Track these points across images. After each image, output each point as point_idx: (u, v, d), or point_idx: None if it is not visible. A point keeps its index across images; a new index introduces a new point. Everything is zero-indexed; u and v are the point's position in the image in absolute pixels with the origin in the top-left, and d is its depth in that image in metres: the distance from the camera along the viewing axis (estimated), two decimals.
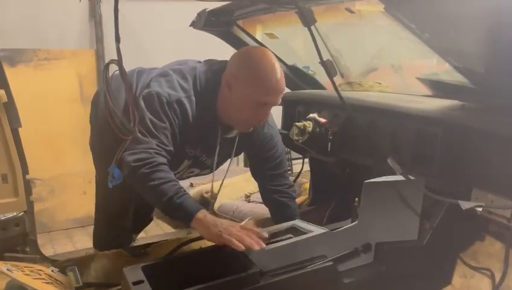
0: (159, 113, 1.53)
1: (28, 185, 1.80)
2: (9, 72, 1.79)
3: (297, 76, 2.40)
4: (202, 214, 1.40)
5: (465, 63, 1.49)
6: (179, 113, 1.56)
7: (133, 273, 1.30)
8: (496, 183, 1.36)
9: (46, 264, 1.79)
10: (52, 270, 1.69)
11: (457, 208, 1.36)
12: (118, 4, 1.27)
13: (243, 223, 2.05)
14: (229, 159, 1.86)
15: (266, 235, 1.39)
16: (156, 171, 1.44)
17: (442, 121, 1.52)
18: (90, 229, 2.14)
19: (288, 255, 1.40)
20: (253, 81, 1.56)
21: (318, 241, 1.45)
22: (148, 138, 1.49)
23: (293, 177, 2.47)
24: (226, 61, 1.67)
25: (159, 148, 1.49)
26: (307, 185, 2.59)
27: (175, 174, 1.57)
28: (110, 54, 3.31)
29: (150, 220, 2.31)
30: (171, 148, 1.53)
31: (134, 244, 2.14)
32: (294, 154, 3.44)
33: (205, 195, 3.02)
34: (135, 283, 1.26)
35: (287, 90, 1.86)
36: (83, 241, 3.11)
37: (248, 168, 2.03)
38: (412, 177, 1.43)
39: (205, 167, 1.84)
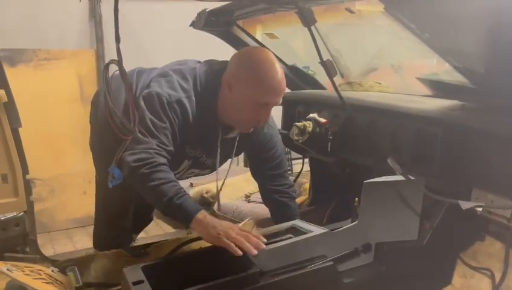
0: (159, 114, 1.53)
1: (28, 185, 1.80)
2: (9, 72, 1.79)
3: (297, 76, 2.40)
4: (202, 215, 1.40)
5: (465, 63, 1.49)
6: (179, 114, 1.56)
7: (133, 273, 1.30)
8: (496, 183, 1.36)
9: (46, 264, 1.79)
10: (52, 270, 1.69)
11: (457, 208, 1.36)
12: (118, 4, 1.27)
13: (242, 223, 2.06)
14: (230, 159, 1.85)
15: (264, 240, 1.39)
16: (156, 171, 1.44)
17: (442, 121, 1.52)
18: (90, 229, 2.14)
19: (288, 255, 1.40)
20: (254, 82, 1.56)
21: (318, 241, 1.45)
22: (148, 138, 1.49)
23: (293, 177, 2.47)
24: (226, 61, 1.67)
25: (159, 148, 1.49)
26: (307, 185, 2.59)
27: (175, 175, 1.57)
28: (110, 54, 3.31)
29: (150, 220, 2.31)
30: (171, 148, 1.53)
31: (134, 244, 2.14)
32: (294, 154, 3.44)
33: (205, 195, 3.02)
34: (135, 283, 1.26)
35: (287, 90, 1.85)
36: (83, 241, 3.11)
37: (248, 168, 2.03)
38: (412, 177, 1.43)
39: (205, 167, 1.84)
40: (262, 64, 1.56)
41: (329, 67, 1.32)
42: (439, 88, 1.90)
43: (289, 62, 2.37)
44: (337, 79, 2.31)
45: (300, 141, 1.98)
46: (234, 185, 2.75)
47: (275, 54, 1.67)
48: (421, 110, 1.62)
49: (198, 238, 1.53)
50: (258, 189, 2.04)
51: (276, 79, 1.56)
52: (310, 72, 2.45)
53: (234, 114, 1.64)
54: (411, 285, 1.54)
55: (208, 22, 2.09)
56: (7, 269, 1.46)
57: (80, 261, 1.78)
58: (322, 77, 2.39)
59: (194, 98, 1.59)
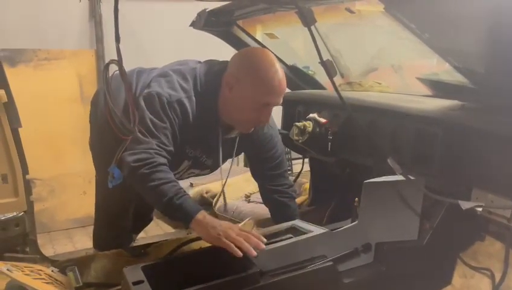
0: (160, 114, 1.53)
1: (28, 185, 1.80)
2: (9, 72, 1.79)
3: (297, 76, 2.40)
4: (201, 215, 1.40)
5: (465, 63, 1.49)
6: (180, 114, 1.56)
7: (133, 273, 1.30)
8: (496, 183, 1.36)
9: (46, 264, 1.79)
10: (52, 271, 1.69)
11: (457, 208, 1.36)
12: (118, 4, 1.27)
13: (242, 223, 2.06)
14: (230, 159, 1.85)
15: (265, 240, 1.39)
16: (156, 171, 1.44)
17: (442, 121, 1.52)
18: (90, 229, 2.14)
19: (288, 255, 1.40)
20: (255, 82, 1.56)
21: (318, 241, 1.45)
22: (148, 138, 1.49)
23: (293, 177, 2.47)
24: (227, 61, 1.67)
25: (159, 148, 1.49)
26: (307, 185, 2.59)
27: (174, 175, 1.57)
28: (110, 54, 3.30)
29: (150, 220, 2.31)
30: (171, 148, 1.53)
31: (134, 244, 2.14)
32: (294, 154, 3.44)
33: (205, 195, 3.02)
34: (135, 283, 1.26)
35: (287, 90, 1.86)
36: (83, 242, 3.11)
37: (248, 168, 2.03)
38: (412, 177, 1.43)
39: (205, 168, 1.84)
40: (263, 65, 1.56)
41: (329, 67, 1.32)
42: (439, 88, 1.90)
43: (289, 62, 2.37)
44: (337, 79, 2.31)
45: (300, 141, 1.98)
46: (234, 185, 2.75)
47: (275, 54, 1.68)
48: (421, 110, 1.62)
49: (198, 239, 1.53)
50: (258, 189, 2.04)
51: (277, 79, 1.56)
52: (310, 72, 2.45)
53: (235, 114, 1.64)
54: (411, 285, 1.54)
55: (207, 22, 2.09)
56: (7, 269, 1.46)
57: (80, 261, 1.78)
58: (322, 77, 2.39)
59: (194, 98, 1.60)
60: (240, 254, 1.30)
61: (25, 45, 3.22)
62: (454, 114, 1.54)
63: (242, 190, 2.79)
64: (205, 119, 1.62)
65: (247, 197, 2.77)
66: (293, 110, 2.22)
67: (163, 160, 1.48)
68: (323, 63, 1.30)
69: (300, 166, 2.54)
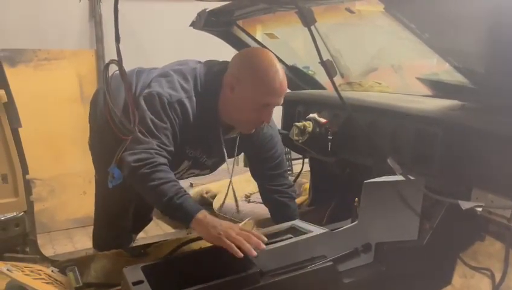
0: (160, 114, 1.53)
1: (28, 185, 1.80)
2: (9, 72, 1.79)
3: (297, 76, 2.40)
4: (202, 214, 1.40)
5: (465, 63, 1.49)
6: (180, 114, 1.56)
7: (133, 273, 1.30)
8: (496, 183, 1.36)
9: (46, 264, 1.79)
10: (52, 271, 1.69)
11: (457, 208, 1.36)
12: (118, 4, 1.27)
13: (242, 223, 2.06)
14: (231, 160, 1.85)
15: (265, 239, 1.39)
16: (156, 171, 1.44)
17: (442, 121, 1.52)
18: (90, 229, 2.14)
19: (288, 255, 1.40)
20: (256, 83, 1.56)
21: (318, 241, 1.45)
22: (149, 138, 1.49)
23: (293, 177, 2.47)
24: (227, 62, 1.67)
25: (159, 148, 1.49)
26: (307, 185, 2.59)
27: (174, 175, 1.57)
28: (110, 54, 3.30)
29: (150, 220, 2.31)
30: (171, 148, 1.53)
31: (134, 244, 2.14)
32: (294, 154, 3.44)
33: (205, 195, 3.02)
34: (135, 283, 1.26)
35: (287, 90, 1.86)
36: (83, 242, 3.11)
37: (248, 168, 2.03)
38: (412, 177, 1.43)
39: (205, 168, 1.84)
40: (263, 65, 1.57)
41: (329, 67, 1.32)
42: (439, 88, 1.90)
43: (289, 62, 2.37)
44: (337, 79, 2.31)
45: (300, 141, 1.98)
46: (234, 185, 2.75)
47: (275, 54, 1.68)
48: (421, 110, 1.62)
49: (198, 238, 1.53)
50: (258, 189, 2.04)
51: (277, 79, 1.56)
52: (310, 72, 2.45)
53: (236, 115, 1.64)
54: (411, 285, 1.54)
55: (208, 22, 2.09)
56: (7, 269, 1.46)
57: (80, 262, 1.78)
58: (322, 77, 2.39)
59: (194, 98, 1.60)
60: (241, 254, 1.30)
61: (25, 45, 3.22)
62: (454, 114, 1.54)
63: (242, 190, 2.79)
64: (205, 119, 1.62)
65: (247, 197, 2.78)
66: (293, 110, 2.22)
67: (163, 160, 1.48)
68: (323, 63, 1.30)
69: (300, 166, 2.54)
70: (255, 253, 1.32)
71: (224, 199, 2.08)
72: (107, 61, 1.68)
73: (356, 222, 1.52)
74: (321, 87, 2.43)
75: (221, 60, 1.74)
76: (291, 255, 1.40)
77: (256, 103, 1.58)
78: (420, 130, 1.58)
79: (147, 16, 3.59)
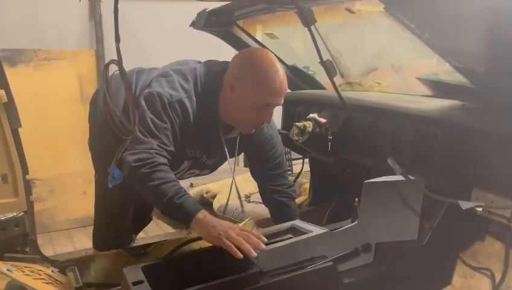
0: (161, 114, 1.53)
1: (28, 185, 1.80)
2: (9, 72, 1.79)
3: (297, 76, 2.40)
4: (202, 214, 1.40)
5: (465, 63, 1.49)
6: (180, 114, 1.56)
7: (133, 273, 1.30)
8: (496, 183, 1.36)
9: (46, 264, 1.79)
10: (52, 271, 1.69)
11: (457, 208, 1.36)
12: (118, 4, 1.27)
13: (242, 223, 2.06)
14: (231, 160, 1.85)
15: (265, 239, 1.39)
16: (156, 171, 1.44)
17: (442, 121, 1.52)
18: (90, 229, 2.14)
19: (288, 255, 1.40)
20: (256, 83, 1.56)
21: (318, 241, 1.45)
22: (149, 138, 1.49)
23: (293, 177, 2.47)
24: (227, 62, 1.67)
25: (159, 148, 1.49)
26: (307, 185, 2.59)
27: (174, 175, 1.57)
28: (110, 54, 3.31)
29: (150, 220, 2.31)
30: (171, 148, 1.53)
31: (134, 244, 2.14)
32: (294, 154, 3.44)
33: (205, 195, 3.02)
34: (135, 283, 1.26)
35: (287, 90, 1.86)
36: (83, 242, 3.11)
37: (248, 168, 2.03)
38: (412, 177, 1.43)
39: (205, 168, 1.84)
40: (264, 65, 1.57)
41: (329, 67, 1.32)
42: (439, 88, 1.90)
43: (289, 62, 2.37)
44: (337, 79, 2.31)
45: (300, 141, 1.98)
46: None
47: (275, 54, 1.67)
48: (421, 110, 1.62)
49: (198, 238, 1.53)
50: (258, 189, 2.04)
51: (277, 80, 1.56)
52: (310, 72, 2.45)
53: (236, 115, 1.64)
54: (411, 285, 1.54)
55: (208, 22, 2.09)
56: (7, 269, 1.46)
57: (80, 262, 1.78)
58: (322, 77, 2.39)
59: (194, 98, 1.60)
60: (240, 255, 1.30)
61: (25, 45, 3.22)
62: (454, 114, 1.54)
63: (242, 190, 2.79)
64: (206, 119, 1.62)
65: (247, 197, 2.78)
66: (293, 110, 2.22)
67: (163, 160, 1.48)
68: (323, 63, 1.30)
69: (300, 166, 2.54)
70: (254, 254, 1.31)
71: (228, 199, 2.08)
72: (107, 61, 1.68)
73: (356, 222, 1.52)
74: (321, 87, 2.43)
75: (221, 60, 1.74)
76: (291, 255, 1.40)
77: (256, 103, 1.58)
78: (420, 130, 1.58)
79: (147, 16, 3.59)
